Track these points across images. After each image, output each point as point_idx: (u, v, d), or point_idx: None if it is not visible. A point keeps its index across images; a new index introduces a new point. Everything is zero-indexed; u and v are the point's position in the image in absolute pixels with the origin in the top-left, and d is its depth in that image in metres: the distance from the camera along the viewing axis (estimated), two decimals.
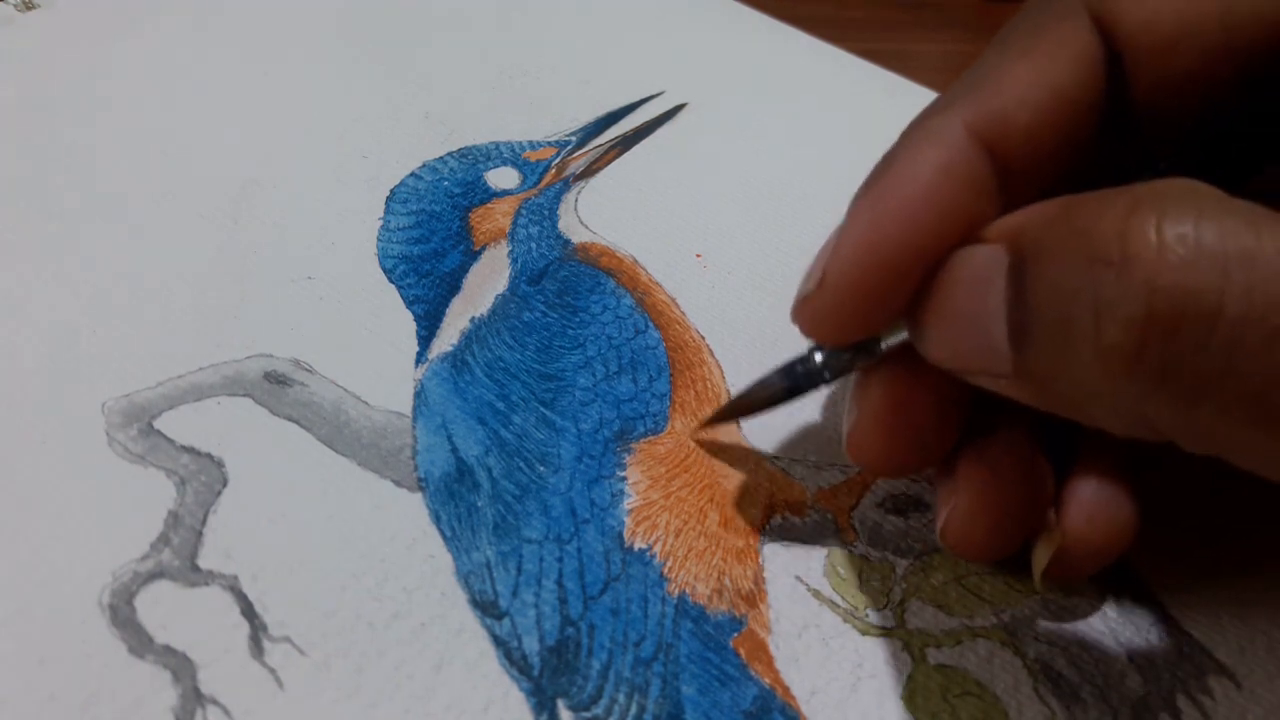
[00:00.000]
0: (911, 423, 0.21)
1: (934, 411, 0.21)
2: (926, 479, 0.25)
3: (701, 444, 0.25)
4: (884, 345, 0.21)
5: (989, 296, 0.18)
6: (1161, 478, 0.22)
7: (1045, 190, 0.19)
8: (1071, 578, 0.22)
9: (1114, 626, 0.22)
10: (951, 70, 0.43)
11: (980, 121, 0.19)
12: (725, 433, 0.26)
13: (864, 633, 0.22)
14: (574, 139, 0.34)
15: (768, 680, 0.21)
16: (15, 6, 0.37)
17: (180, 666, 0.20)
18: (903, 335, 0.20)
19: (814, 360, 0.22)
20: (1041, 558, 0.21)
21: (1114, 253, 0.16)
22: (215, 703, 0.20)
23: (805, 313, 0.20)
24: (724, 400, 0.26)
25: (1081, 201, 0.17)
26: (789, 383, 0.23)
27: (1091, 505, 0.21)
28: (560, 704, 0.20)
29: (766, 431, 0.26)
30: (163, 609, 0.21)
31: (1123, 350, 0.16)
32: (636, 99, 0.36)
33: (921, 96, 0.38)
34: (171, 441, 0.24)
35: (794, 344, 0.24)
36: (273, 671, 0.20)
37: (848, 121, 0.36)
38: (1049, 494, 0.21)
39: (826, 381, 0.22)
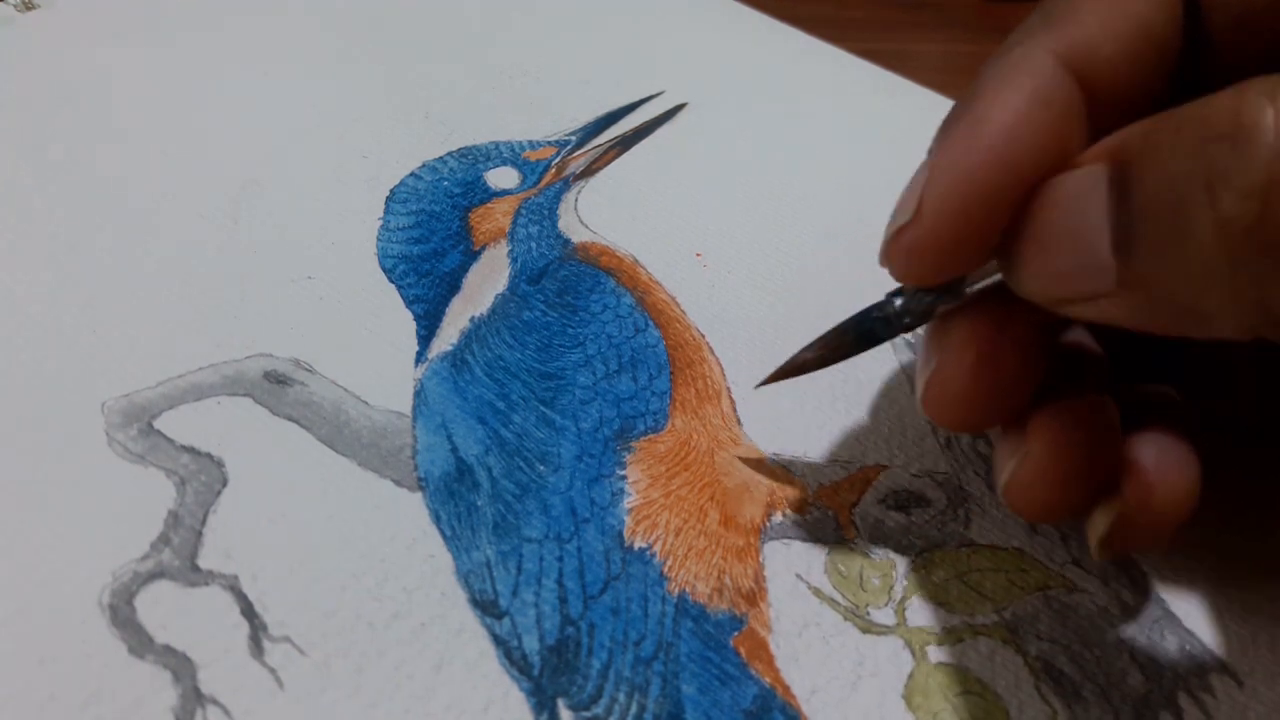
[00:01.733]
0: (995, 373, 0.20)
1: (1018, 361, 0.20)
2: (945, 475, 0.25)
3: (692, 443, 0.25)
4: (969, 289, 0.20)
5: (1089, 211, 0.17)
6: (1223, 441, 0.21)
7: (1130, 118, 0.19)
8: (1128, 549, 0.21)
9: (1115, 624, 0.22)
10: (951, 70, 0.43)
11: (1067, 49, 0.19)
12: (726, 432, 0.26)
13: (865, 631, 0.22)
14: (574, 139, 0.34)
15: (768, 679, 0.21)
16: (15, 6, 0.37)
17: (180, 666, 0.20)
18: (988, 280, 0.20)
19: (892, 305, 0.21)
20: (1100, 524, 0.20)
21: (1228, 126, 0.15)
22: (215, 703, 0.20)
23: (899, 247, 0.20)
24: (724, 398, 0.26)
25: (1180, 109, 0.16)
26: (865, 329, 0.22)
27: (1153, 473, 0.20)
28: (560, 703, 0.20)
29: (767, 428, 0.26)
30: (163, 609, 0.21)
31: (1242, 220, 0.15)
32: (636, 99, 0.36)
33: (921, 96, 0.38)
34: (171, 441, 0.24)
35: (795, 341, 0.24)
36: (273, 671, 0.20)
37: (848, 121, 0.36)
38: (1116, 462, 0.21)
39: (906, 328, 0.21)
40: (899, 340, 0.29)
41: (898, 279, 0.21)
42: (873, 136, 0.36)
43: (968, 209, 0.18)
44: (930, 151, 0.19)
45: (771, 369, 0.26)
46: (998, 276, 0.19)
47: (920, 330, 0.22)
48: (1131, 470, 0.20)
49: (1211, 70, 0.20)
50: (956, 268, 0.20)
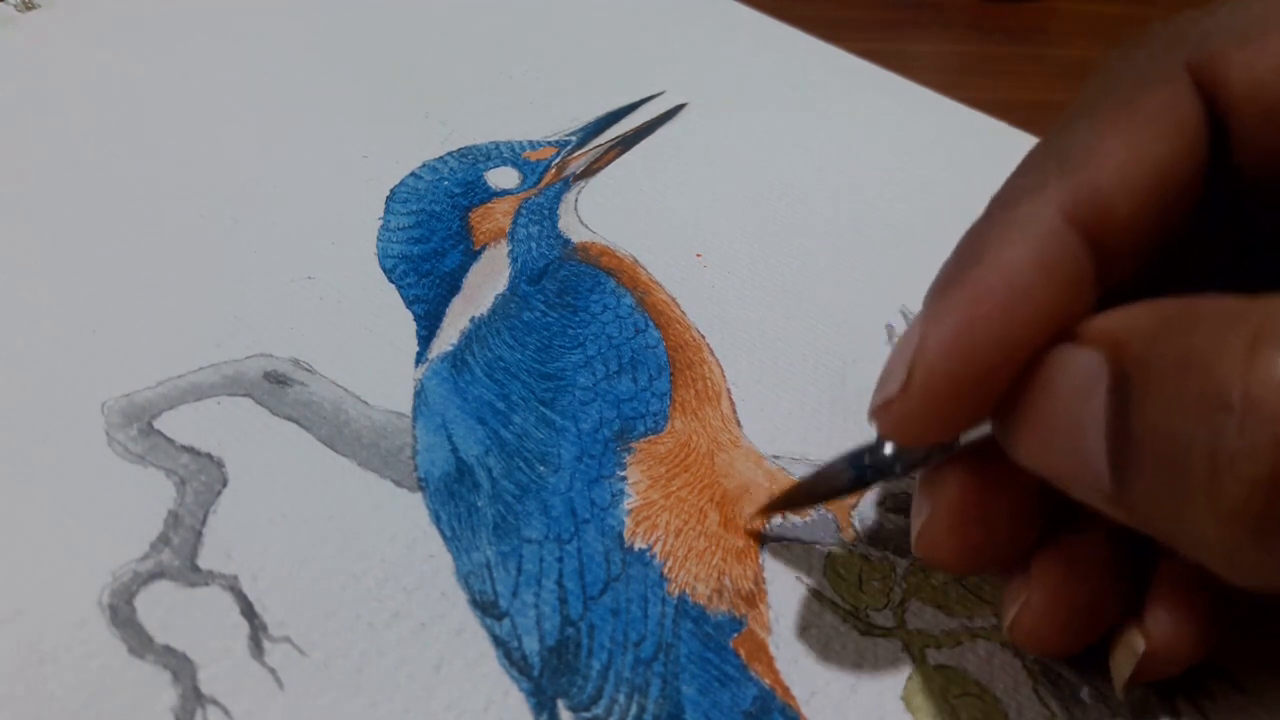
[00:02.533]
0: (990, 522, 0.19)
1: (1013, 512, 0.20)
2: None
3: (691, 445, 0.25)
4: (962, 440, 0.19)
5: (1087, 410, 0.16)
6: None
7: (1147, 270, 0.18)
8: (1151, 679, 0.20)
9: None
10: (951, 70, 0.43)
11: (1077, 207, 0.17)
12: (726, 433, 0.26)
13: (864, 633, 0.22)
14: (574, 139, 0.34)
15: (768, 680, 0.21)
16: (15, 6, 0.37)
17: (180, 666, 0.20)
18: (982, 430, 0.19)
19: (884, 452, 0.20)
20: (1125, 667, 0.20)
21: (1234, 397, 0.14)
22: (215, 703, 0.20)
23: (888, 416, 0.18)
24: (724, 399, 0.26)
25: (1191, 314, 0.15)
26: (855, 474, 0.21)
27: (1174, 614, 0.19)
28: (560, 704, 0.20)
29: (767, 430, 0.26)
30: (163, 609, 0.21)
31: (1244, 512, 0.14)
32: (636, 99, 0.36)
33: (921, 96, 0.38)
34: (171, 441, 0.24)
35: (794, 342, 0.24)
36: (273, 671, 0.20)
37: (847, 121, 0.36)
38: (1127, 593, 0.20)
39: (896, 476, 0.21)
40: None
41: (886, 440, 0.20)
42: (873, 136, 0.36)
43: (957, 385, 0.17)
44: (924, 307, 0.18)
45: (771, 370, 0.26)
46: (984, 431, 0.19)
47: None
48: (1152, 609, 0.19)
49: (1241, 199, 0.19)
50: (946, 435, 0.19)
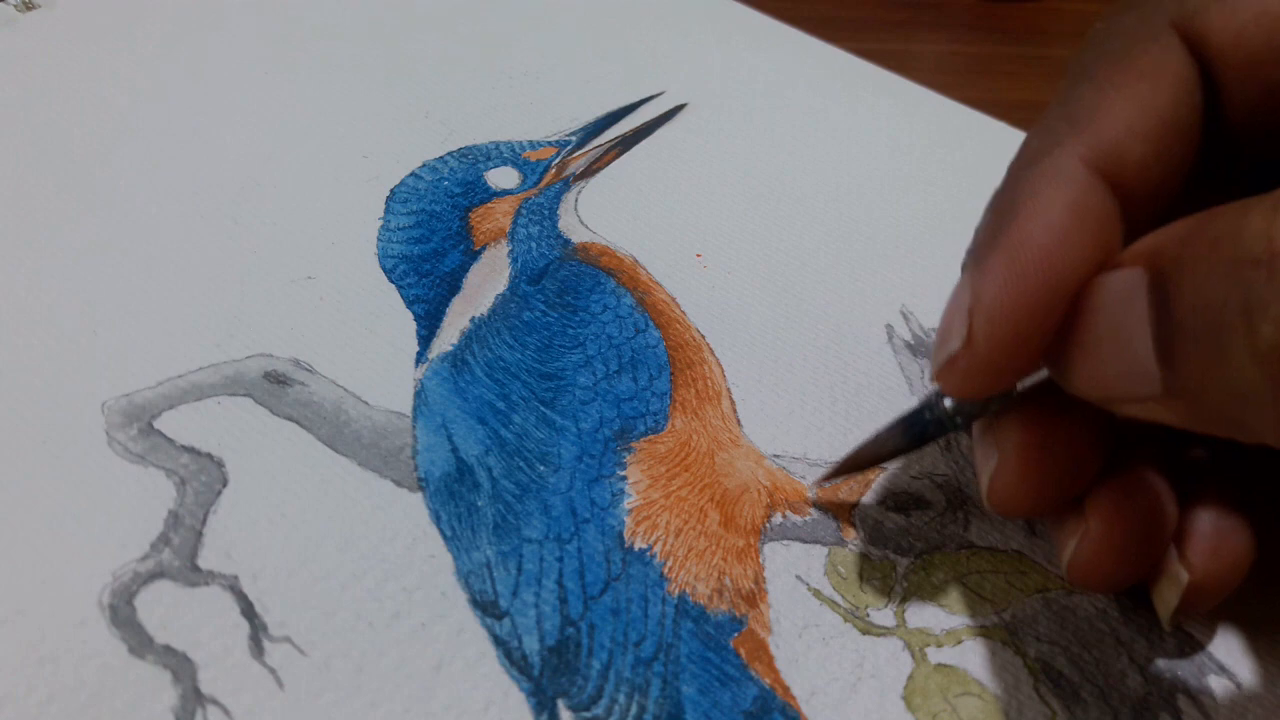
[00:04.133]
0: (1056, 462, 0.21)
1: (1076, 450, 0.21)
2: (944, 476, 0.25)
3: (692, 444, 0.25)
4: (1019, 387, 0.20)
5: (1131, 318, 0.17)
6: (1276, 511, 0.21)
7: (1160, 216, 0.19)
8: (1193, 613, 0.22)
9: (1114, 626, 0.22)
10: (951, 70, 0.43)
11: (1097, 156, 0.19)
12: (726, 433, 0.26)
13: (864, 632, 0.22)
14: (574, 139, 0.34)
15: (768, 680, 0.21)
16: (15, 6, 0.37)
17: (180, 666, 0.20)
18: (1036, 376, 0.20)
19: (943, 406, 0.21)
20: (1170, 598, 0.21)
21: (1262, 251, 0.15)
22: (215, 703, 0.20)
23: (954, 373, 0.19)
24: (724, 399, 0.26)
25: (1218, 212, 0.16)
26: (916, 432, 0.22)
27: (1213, 541, 0.20)
28: (560, 704, 0.20)
29: (767, 429, 0.26)
30: (163, 609, 0.21)
31: None
32: (637, 99, 0.36)
33: (921, 96, 0.38)
34: (171, 441, 0.24)
35: (794, 342, 0.24)
36: (273, 671, 0.20)
37: (847, 122, 0.36)
38: (1173, 528, 0.21)
39: (957, 428, 0.22)
40: (898, 342, 0.29)
41: (951, 396, 0.21)
42: (873, 136, 0.36)
43: (1019, 332, 0.18)
44: (966, 266, 0.19)
45: (772, 370, 0.26)
46: (1042, 375, 0.20)
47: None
48: (1191, 541, 0.20)
49: (1236, 144, 0.20)
50: (1008, 383, 0.20)
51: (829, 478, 0.24)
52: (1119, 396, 0.18)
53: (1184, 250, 0.16)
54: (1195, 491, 0.21)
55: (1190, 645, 0.22)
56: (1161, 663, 0.22)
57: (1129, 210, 0.19)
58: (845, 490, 0.25)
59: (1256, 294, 0.15)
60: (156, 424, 0.24)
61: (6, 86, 0.34)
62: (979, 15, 0.47)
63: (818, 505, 0.24)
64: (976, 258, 0.19)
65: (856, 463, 0.24)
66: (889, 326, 0.29)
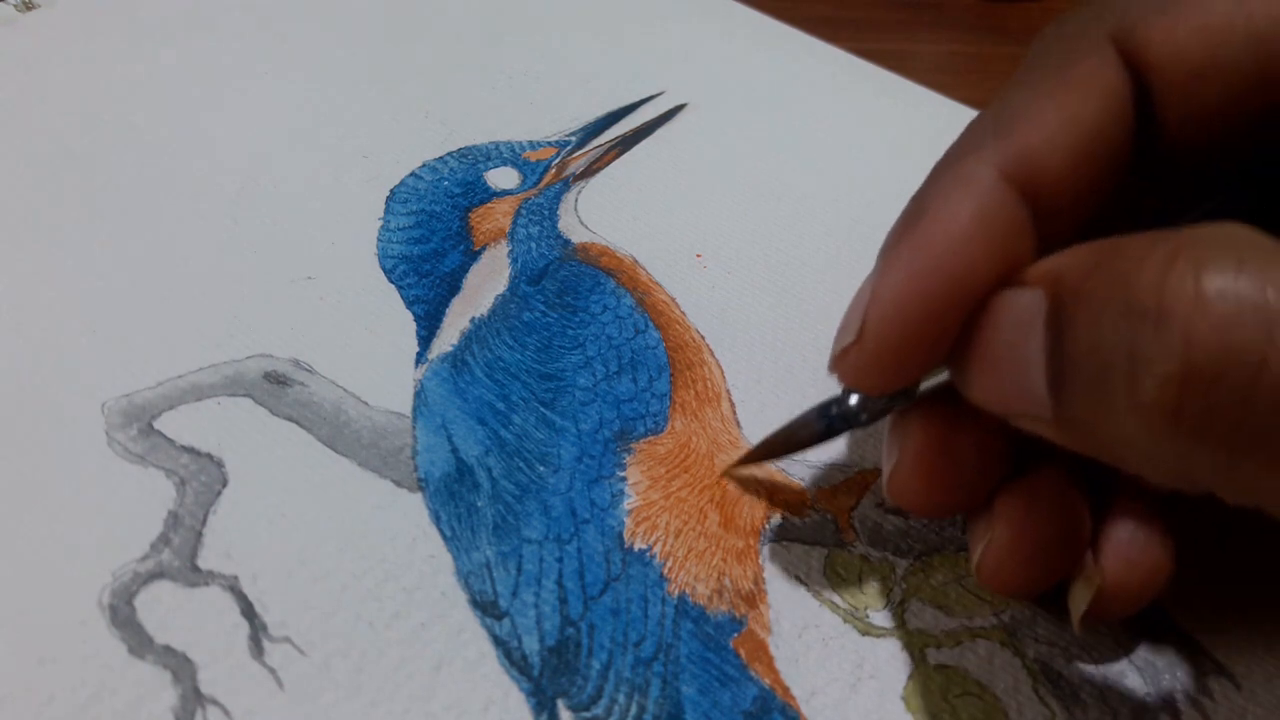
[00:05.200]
0: (954, 464, 0.21)
1: (976, 451, 0.21)
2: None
3: (691, 445, 0.25)
4: (922, 387, 0.20)
5: (1029, 341, 0.17)
6: (1196, 520, 0.21)
7: (1081, 227, 0.19)
8: (1106, 619, 0.21)
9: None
10: (951, 70, 0.43)
11: (1011, 165, 0.19)
12: (726, 434, 0.26)
13: (864, 633, 0.22)
14: (574, 139, 0.34)
15: (768, 681, 0.21)
16: (15, 6, 0.37)
17: (180, 666, 0.20)
18: (941, 377, 0.20)
19: (849, 402, 0.22)
20: (1081, 600, 0.21)
21: (1151, 305, 0.15)
22: (215, 703, 0.20)
23: (845, 364, 0.20)
24: (724, 400, 0.26)
25: (1121, 247, 0.16)
26: (824, 425, 0.22)
27: (1128, 548, 0.20)
28: (560, 704, 0.20)
29: (766, 430, 0.26)
30: (163, 609, 0.21)
31: (1160, 407, 0.15)
32: (636, 99, 0.36)
33: (921, 96, 0.38)
34: (171, 441, 0.24)
35: (794, 342, 0.24)
36: (273, 671, 0.20)
37: (847, 122, 0.36)
38: (1086, 533, 0.21)
39: (863, 424, 0.22)
40: None
41: (848, 388, 0.21)
42: (873, 137, 0.36)
43: (908, 331, 0.19)
44: (876, 264, 0.20)
45: (772, 370, 0.26)
46: (945, 378, 0.20)
47: None
48: (1106, 546, 0.20)
49: (1170, 162, 0.20)
50: (902, 381, 0.20)
51: (739, 464, 0.24)
52: (1013, 413, 0.18)
53: (1082, 283, 0.17)
54: (1111, 499, 0.21)
55: (1190, 646, 0.22)
56: (1160, 663, 0.22)
57: (1044, 221, 0.19)
58: (844, 492, 0.25)
59: (1142, 346, 0.15)
60: (156, 424, 0.24)
61: (6, 86, 0.34)
62: (979, 15, 0.47)
63: (817, 507, 0.24)
64: (881, 255, 0.20)
65: (768, 450, 0.24)
66: None
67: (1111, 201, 0.20)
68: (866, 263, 0.31)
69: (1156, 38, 0.19)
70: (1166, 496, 0.21)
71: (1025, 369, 0.17)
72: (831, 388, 0.27)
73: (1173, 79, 0.19)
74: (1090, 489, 0.21)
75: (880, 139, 0.36)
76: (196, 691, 0.20)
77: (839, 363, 0.20)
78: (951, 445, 0.20)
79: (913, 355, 0.19)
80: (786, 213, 0.32)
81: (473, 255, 0.29)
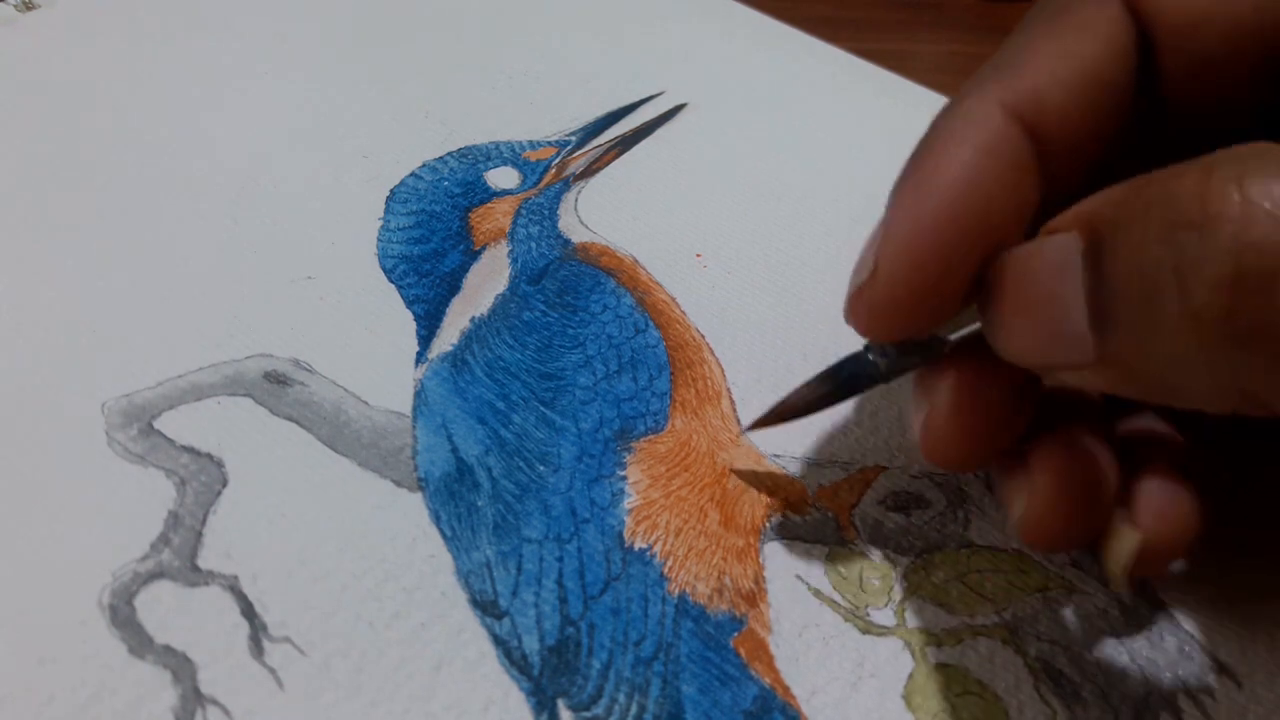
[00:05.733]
0: (985, 416, 0.21)
1: (1006, 403, 0.20)
2: (944, 475, 0.25)
3: (692, 444, 0.25)
4: (950, 338, 0.20)
5: (1065, 283, 0.17)
6: (1215, 479, 0.21)
7: (1085, 174, 0.19)
8: (1142, 574, 0.21)
9: (1115, 625, 0.22)
10: (951, 70, 0.43)
11: (1015, 100, 0.19)
12: (726, 433, 0.26)
13: (864, 631, 0.22)
14: (574, 139, 0.34)
15: (768, 680, 0.21)
16: (15, 6, 0.37)
17: (180, 666, 0.20)
18: (963, 332, 0.20)
19: (868, 359, 0.21)
20: (1122, 555, 0.20)
21: (1195, 214, 0.15)
22: (215, 703, 0.20)
23: (861, 306, 0.20)
24: (724, 399, 0.26)
25: (1154, 176, 0.16)
26: (842, 383, 0.22)
27: (1160, 501, 0.20)
28: (560, 704, 0.20)
29: (766, 430, 0.26)
30: (163, 609, 0.21)
31: (1212, 312, 0.15)
32: (636, 99, 0.36)
33: (921, 96, 0.38)
34: (171, 441, 0.24)
35: (794, 342, 0.24)
36: (273, 671, 0.20)
37: (847, 122, 0.36)
38: (1117, 486, 0.21)
39: (884, 379, 0.22)
40: None
41: (863, 336, 0.21)
42: (872, 136, 0.36)
43: (923, 266, 0.18)
44: (886, 205, 0.20)
45: (771, 370, 0.26)
46: (973, 327, 0.20)
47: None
48: (1139, 501, 0.20)
49: (1170, 109, 0.20)
50: (919, 325, 0.20)
51: (758, 424, 0.24)
52: (1052, 363, 0.18)
53: (1120, 213, 0.16)
54: (1137, 457, 0.21)
55: (1191, 645, 0.22)
56: (1162, 662, 0.22)
57: (1048, 161, 0.19)
58: (844, 491, 0.25)
59: (1190, 256, 0.15)
60: (156, 424, 0.24)
61: (6, 86, 0.34)
62: (979, 15, 0.47)
63: (817, 505, 0.24)
64: (890, 196, 0.19)
65: (787, 410, 0.23)
66: None
67: (1117, 150, 0.20)
68: None
69: None
70: (1189, 455, 0.21)
71: (1063, 312, 0.17)
72: None
73: (1174, 27, 0.19)
74: (1122, 444, 0.21)
75: (880, 139, 0.36)
76: (196, 691, 0.20)
77: (854, 304, 0.20)
78: (981, 397, 0.20)
79: (929, 295, 0.19)
80: (786, 212, 0.32)
81: (473, 255, 0.29)
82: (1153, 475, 0.21)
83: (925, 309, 0.19)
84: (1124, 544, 0.20)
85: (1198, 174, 0.15)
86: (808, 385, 0.23)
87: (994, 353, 0.19)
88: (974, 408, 0.20)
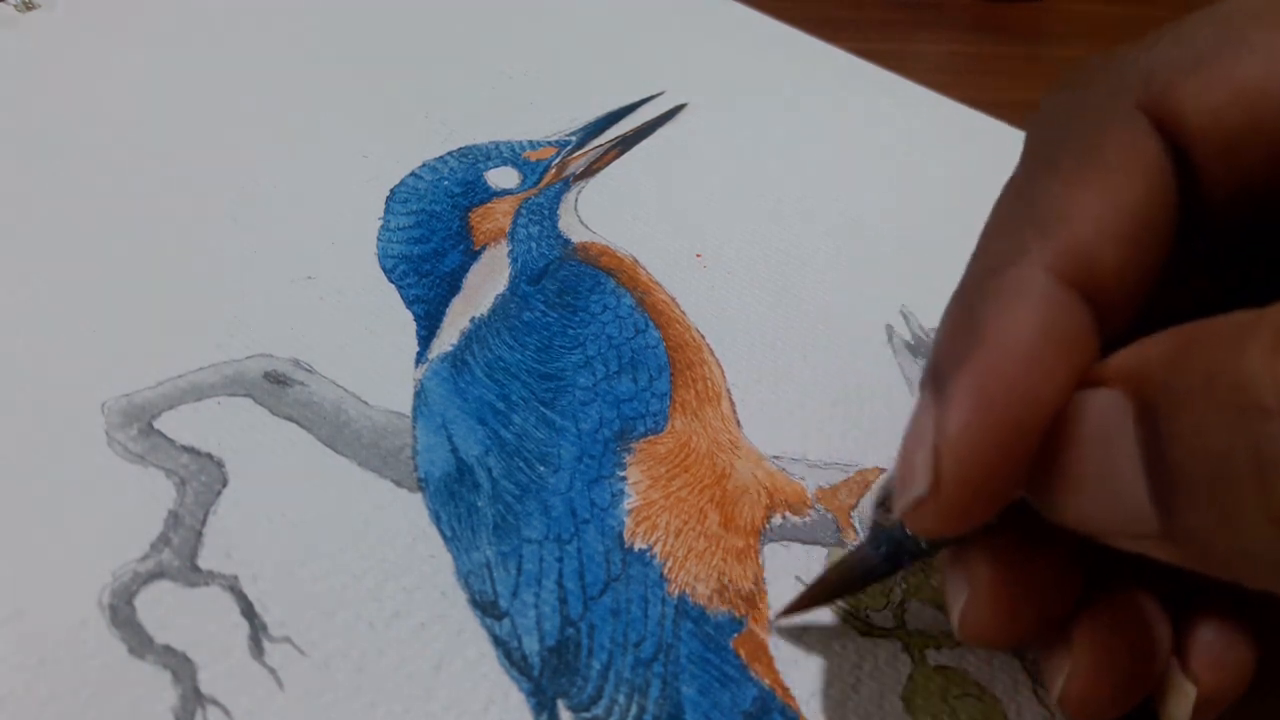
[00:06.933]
0: (1030, 594, 0.19)
1: (1053, 578, 0.19)
2: None
3: (691, 445, 0.25)
4: None
5: (1119, 452, 0.16)
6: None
7: (1136, 315, 0.18)
8: None
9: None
10: (951, 70, 0.43)
11: (1064, 265, 0.17)
12: (726, 434, 0.26)
13: (864, 633, 0.22)
14: (574, 139, 0.34)
15: (768, 681, 0.21)
16: (15, 7, 0.37)
17: (180, 666, 0.20)
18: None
19: (910, 539, 0.20)
20: (1180, 713, 0.19)
21: (1270, 400, 0.13)
22: (215, 703, 0.20)
23: (922, 518, 0.17)
24: (724, 399, 0.26)
25: (1204, 337, 0.15)
26: (886, 559, 0.20)
27: (1217, 650, 0.19)
28: (560, 704, 0.20)
29: (767, 431, 0.26)
30: (163, 609, 0.21)
31: None
32: (636, 99, 0.36)
33: (922, 97, 0.38)
34: (171, 441, 0.24)
35: (794, 343, 0.24)
36: (273, 671, 0.20)
37: (847, 122, 0.36)
38: (1169, 647, 0.19)
39: (926, 555, 0.20)
40: (898, 343, 0.29)
41: (924, 538, 0.20)
42: (873, 137, 0.36)
43: (991, 471, 0.16)
44: (924, 385, 0.18)
45: (771, 371, 0.26)
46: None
47: None
48: (1193, 653, 0.19)
49: (1215, 233, 0.19)
50: (982, 522, 0.18)
51: (793, 610, 0.22)
52: (1110, 533, 0.17)
53: (1173, 381, 0.15)
54: (1190, 600, 0.19)
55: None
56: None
57: (1104, 314, 0.17)
58: (844, 492, 0.25)
59: (1271, 449, 0.13)
60: (156, 424, 0.24)
61: (6, 86, 0.34)
62: (979, 15, 0.47)
63: (817, 506, 0.24)
64: (938, 384, 0.17)
65: (828, 591, 0.22)
66: (889, 327, 0.29)
67: (1165, 284, 0.18)
68: (866, 263, 0.31)
69: (1190, 104, 0.17)
70: (1243, 593, 0.19)
71: (1120, 483, 0.16)
72: (830, 389, 0.27)
73: (1212, 146, 0.17)
74: (1169, 600, 0.19)
75: (880, 139, 0.36)
76: (196, 691, 0.20)
77: (914, 517, 0.18)
78: (1026, 574, 0.19)
79: (994, 496, 0.17)
80: (787, 212, 0.32)
81: (473, 255, 0.29)
82: (1206, 619, 0.19)
83: (990, 505, 0.17)
84: (1181, 700, 0.19)
85: (1264, 351, 0.14)
86: (846, 563, 0.21)
87: (1035, 524, 0.18)
88: (1016, 588, 0.19)
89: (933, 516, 0.17)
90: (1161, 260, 0.18)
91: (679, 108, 0.36)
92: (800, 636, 0.22)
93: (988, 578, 0.19)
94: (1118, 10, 0.49)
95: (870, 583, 0.21)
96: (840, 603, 0.23)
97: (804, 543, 0.24)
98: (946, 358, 0.17)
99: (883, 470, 0.25)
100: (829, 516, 0.24)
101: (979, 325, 0.17)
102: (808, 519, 0.24)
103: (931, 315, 0.29)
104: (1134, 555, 0.17)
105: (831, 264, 0.31)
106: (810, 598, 0.22)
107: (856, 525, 0.24)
